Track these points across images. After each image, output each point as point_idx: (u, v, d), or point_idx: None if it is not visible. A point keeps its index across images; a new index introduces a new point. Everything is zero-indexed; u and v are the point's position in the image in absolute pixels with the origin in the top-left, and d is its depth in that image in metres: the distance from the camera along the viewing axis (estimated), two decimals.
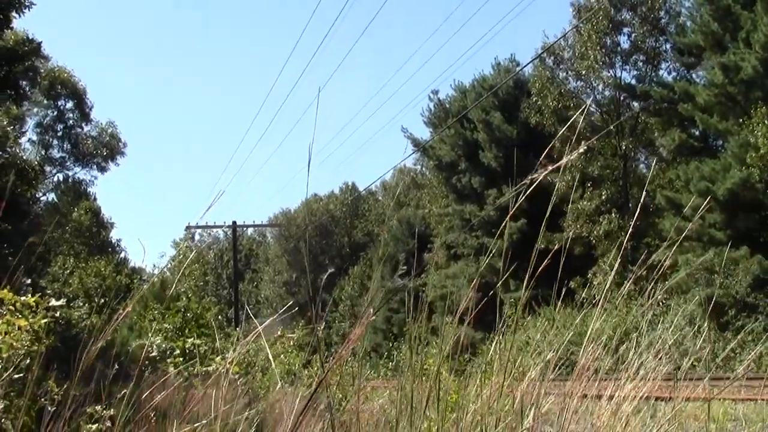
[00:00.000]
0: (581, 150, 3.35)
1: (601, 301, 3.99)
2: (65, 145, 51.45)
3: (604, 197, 40.10)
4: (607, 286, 3.91)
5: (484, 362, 4.14)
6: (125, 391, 3.91)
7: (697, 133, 38.50)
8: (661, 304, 33.41)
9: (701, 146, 37.90)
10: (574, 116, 4.91)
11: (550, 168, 3.31)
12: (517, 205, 3.50)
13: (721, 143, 36.77)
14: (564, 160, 3.41)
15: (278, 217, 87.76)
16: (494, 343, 3.93)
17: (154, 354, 15.01)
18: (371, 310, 3.26)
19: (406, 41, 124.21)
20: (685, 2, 38.72)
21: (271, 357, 13.61)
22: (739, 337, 25.22)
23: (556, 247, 4.10)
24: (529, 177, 3.46)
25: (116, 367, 4.30)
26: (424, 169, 69.09)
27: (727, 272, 29.95)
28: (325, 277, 3.91)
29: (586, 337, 3.83)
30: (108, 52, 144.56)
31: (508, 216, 3.50)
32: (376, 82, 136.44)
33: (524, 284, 3.79)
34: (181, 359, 15.27)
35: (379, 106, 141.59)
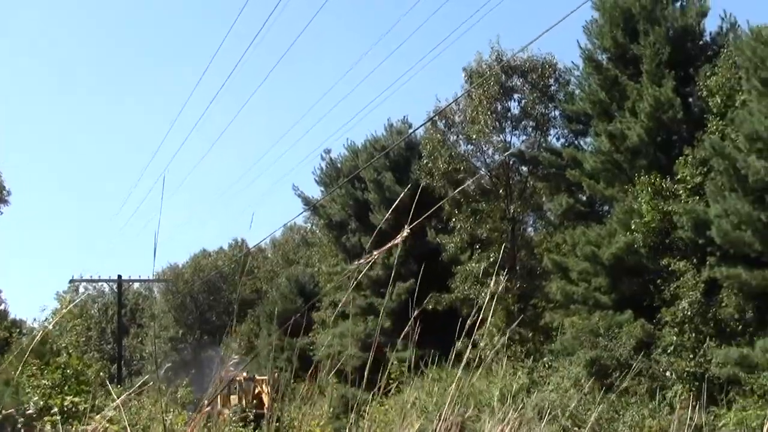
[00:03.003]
0: (405, 234, 3.40)
1: (486, 360, 3.99)
2: None
3: (492, 259, 40.36)
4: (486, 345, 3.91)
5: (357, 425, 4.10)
6: None
7: (584, 198, 39.09)
8: (546, 365, 33.85)
9: (588, 211, 38.50)
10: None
11: (377, 252, 3.35)
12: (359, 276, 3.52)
13: (607, 209, 37.40)
14: (394, 242, 3.44)
15: (165, 272, 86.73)
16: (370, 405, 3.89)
17: (30, 411, 14.61)
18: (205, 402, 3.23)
19: (299, 100, 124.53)
20: (575, 71, 39.49)
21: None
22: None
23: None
24: (357, 262, 3.47)
25: None
26: (314, 227, 69.00)
27: (612, 335, 30.42)
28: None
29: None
30: None
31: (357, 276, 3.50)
32: (269, 140, 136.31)
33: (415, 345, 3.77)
34: (59, 417, 14.86)
35: (272, 164, 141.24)
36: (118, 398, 3.82)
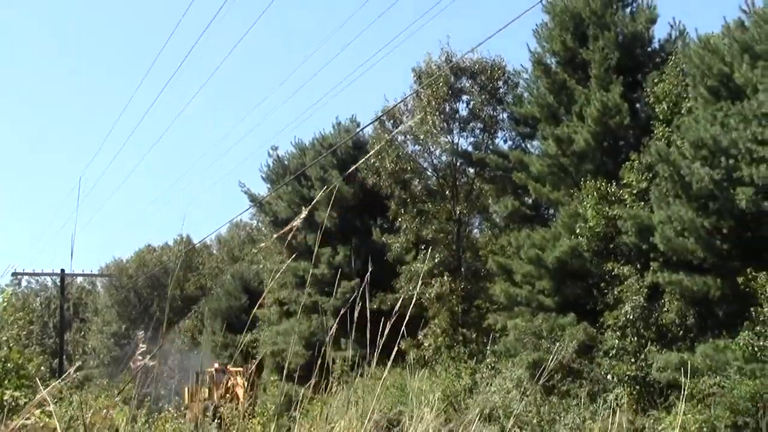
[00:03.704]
0: (303, 215, 3.43)
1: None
2: None
3: (437, 260, 40.33)
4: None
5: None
6: None
7: (529, 201, 39.19)
8: (490, 367, 33.94)
9: (533, 214, 38.64)
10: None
11: (276, 235, 3.40)
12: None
13: (553, 212, 37.55)
14: (293, 223, 3.45)
15: (109, 267, 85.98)
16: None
17: None
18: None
19: (247, 95, 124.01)
20: (523, 74, 39.57)
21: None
22: None
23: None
24: (262, 245, 3.51)
25: None
26: (260, 224, 68.66)
27: (554, 338, 30.54)
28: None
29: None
30: None
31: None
32: (216, 135, 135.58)
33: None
34: None
35: (218, 159, 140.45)
36: (46, 391, 3.72)
